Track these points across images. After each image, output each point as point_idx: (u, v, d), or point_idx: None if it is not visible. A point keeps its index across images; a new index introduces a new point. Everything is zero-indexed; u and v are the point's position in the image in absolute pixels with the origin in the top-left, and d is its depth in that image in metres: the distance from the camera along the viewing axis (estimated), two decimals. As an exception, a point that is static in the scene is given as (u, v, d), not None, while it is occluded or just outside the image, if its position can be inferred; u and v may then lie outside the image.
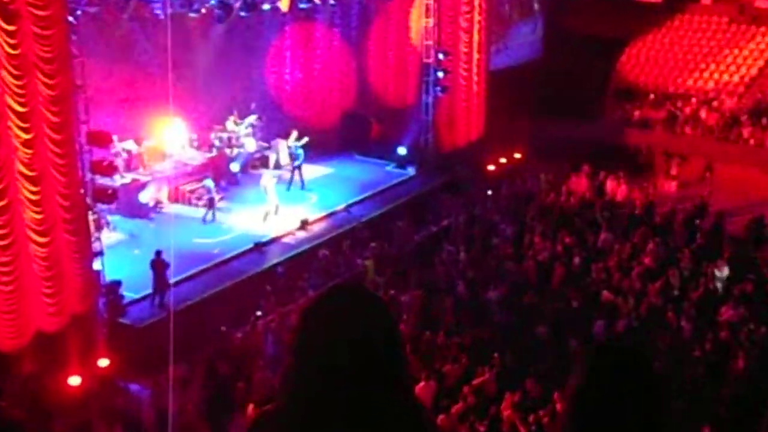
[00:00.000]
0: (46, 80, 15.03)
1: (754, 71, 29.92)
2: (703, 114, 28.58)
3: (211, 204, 21.42)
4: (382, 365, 2.14)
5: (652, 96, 30.26)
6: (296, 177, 23.48)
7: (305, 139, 22.84)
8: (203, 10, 19.64)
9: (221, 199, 22.02)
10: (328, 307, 2.21)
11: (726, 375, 16.01)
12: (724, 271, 19.61)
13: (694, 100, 29.57)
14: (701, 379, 15.92)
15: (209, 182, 21.68)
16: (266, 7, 20.72)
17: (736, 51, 30.96)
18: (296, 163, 23.47)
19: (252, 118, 24.81)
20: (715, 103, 29.12)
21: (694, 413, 14.63)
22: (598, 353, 2.41)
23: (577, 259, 20.63)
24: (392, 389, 2.18)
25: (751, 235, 22.21)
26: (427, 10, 25.19)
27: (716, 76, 30.52)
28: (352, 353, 2.11)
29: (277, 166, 24.34)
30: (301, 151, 23.48)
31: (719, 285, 19.32)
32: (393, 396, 2.18)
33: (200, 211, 21.71)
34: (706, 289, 18.97)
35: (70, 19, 15.97)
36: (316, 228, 21.59)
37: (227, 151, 23.91)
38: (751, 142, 27.50)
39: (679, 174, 27.20)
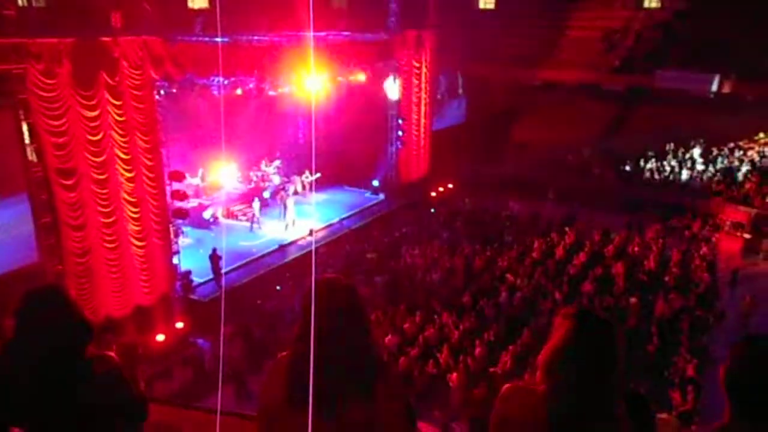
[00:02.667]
0: (142, 137, 15.07)
1: (601, 130, 30.32)
2: (569, 157, 28.93)
3: (255, 219, 21.27)
4: (352, 318, 2.38)
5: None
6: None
7: (318, 175, 22.36)
8: (241, 90, 19.67)
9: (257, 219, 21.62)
10: (321, 288, 2.41)
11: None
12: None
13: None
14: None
15: (256, 203, 21.45)
16: (286, 89, 20.72)
17: (588, 117, 31.25)
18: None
19: (277, 162, 24.80)
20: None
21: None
22: (583, 317, 2.21)
23: (488, 253, 20.81)
24: (359, 334, 2.40)
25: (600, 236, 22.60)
26: (391, 90, 25.35)
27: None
28: (334, 312, 2.35)
29: (294, 193, 24.01)
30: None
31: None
32: (361, 338, 2.40)
33: (244, 224, 21.57)
34: (570, 274, 19.18)
35: (156, 96, 15.92)
36: (319, 234, 21.56)
37: (261, 183, 23.81)
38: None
39: (555, 196, 27.53)
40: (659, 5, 31.89)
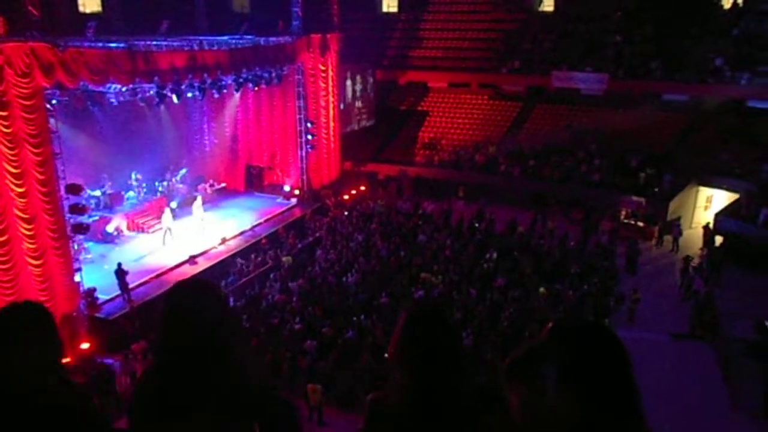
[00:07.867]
0: (33, 149, 14.28)
1: (504, 129, 31.37)
2: (476, 156, 29.50)
3: (165, 230, 20.33)
4: (217, 324, 2.13)
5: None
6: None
7: (223, 185, 21.38)
8: (141, 97, 18.92)
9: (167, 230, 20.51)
10: (182, 293, 2.20)
11: (498, 320, 16.80)
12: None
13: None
14: (483, 323, 16.64)
15: (167, 213, 20.48)
16: (189, 95, 20.14)
17: (492, 117, 32.27)
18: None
19: (183, 171, 24.07)
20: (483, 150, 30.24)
21: (479, 344, 15.37)
22: (415, 311, 2.24)
23: (402, 253, 21.09)
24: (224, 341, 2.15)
25: (508, 231, 23.36)
26: (298, 95, 25.22)
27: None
28: (197, 317, 2.12)
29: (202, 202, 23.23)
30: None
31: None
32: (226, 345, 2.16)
33: (150, 236, 20.69)
34: (482, 269, 19.82)
35: (48, 106, 15.06)
36: (232, 242, 21.08)
37: (167, 193, 22.97)
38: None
39: (464, 194, 28.18)
40: (552, 9, 33.55)
